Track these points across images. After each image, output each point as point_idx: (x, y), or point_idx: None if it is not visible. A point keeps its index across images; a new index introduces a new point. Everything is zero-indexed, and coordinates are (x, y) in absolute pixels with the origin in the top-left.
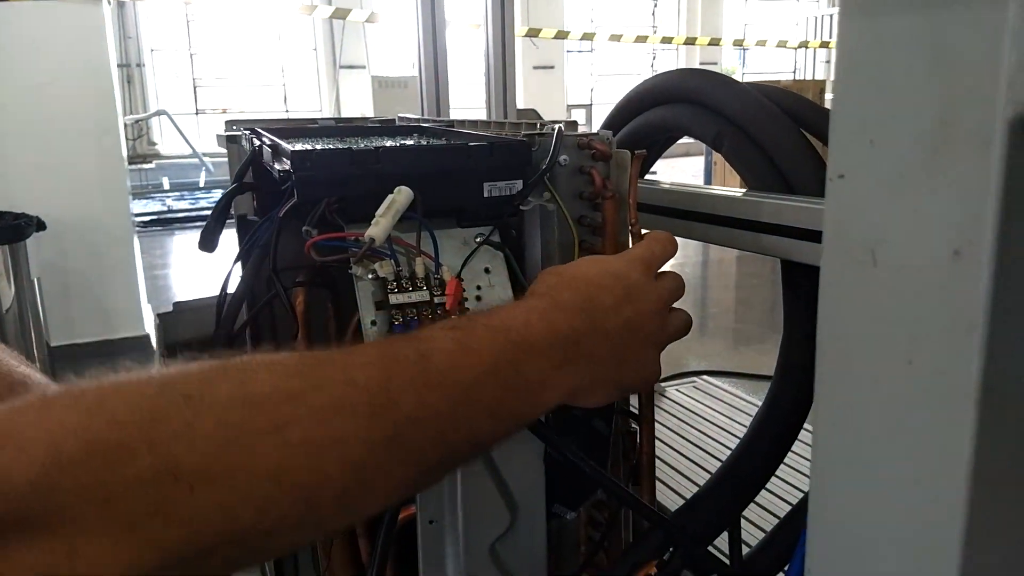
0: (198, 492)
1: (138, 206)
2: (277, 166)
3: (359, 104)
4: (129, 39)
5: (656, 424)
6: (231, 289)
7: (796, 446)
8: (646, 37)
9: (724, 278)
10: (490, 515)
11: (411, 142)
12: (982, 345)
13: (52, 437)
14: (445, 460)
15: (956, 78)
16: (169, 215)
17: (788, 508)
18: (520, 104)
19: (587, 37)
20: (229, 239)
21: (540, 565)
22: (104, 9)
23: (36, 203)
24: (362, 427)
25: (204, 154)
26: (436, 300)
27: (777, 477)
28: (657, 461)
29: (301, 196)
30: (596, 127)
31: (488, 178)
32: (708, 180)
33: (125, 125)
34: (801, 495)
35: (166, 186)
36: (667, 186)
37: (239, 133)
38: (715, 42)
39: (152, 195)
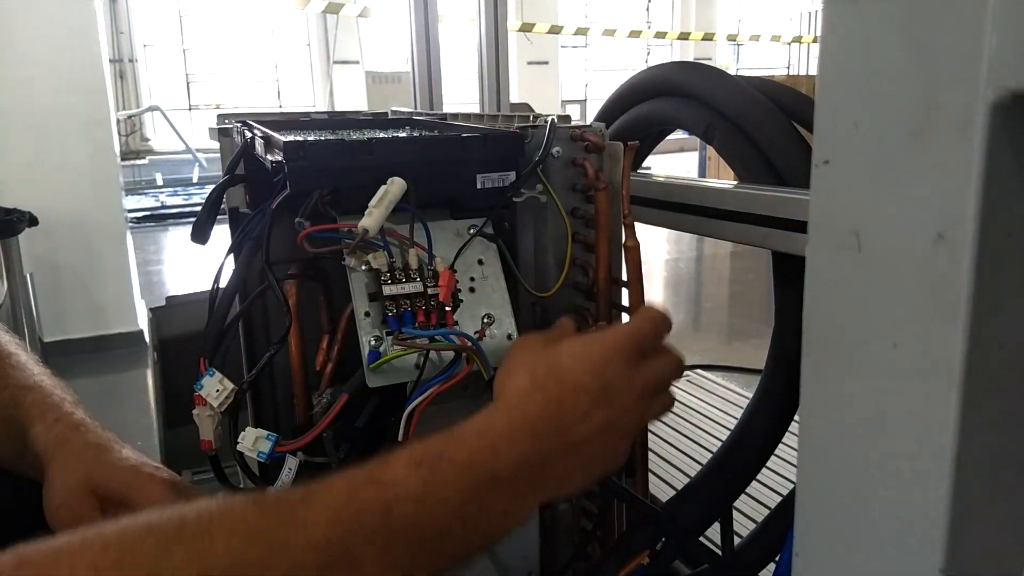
0: None
1: (131, 202)
2: (270, 157)
3: (353, 99)
4: (121, 34)
5: None
6: (223, 282)
7: (787, 438)
8: (640, 32)
9: (718, 273)
10: None
11: (404, 134)
12: (966, 327)
13: None
14: None
15: (938, 62)
16: (162, 211)
17: (779, 499)
18: (514, 100)
19: (581, 32)
20: (222, 233)
21: (533, 555)
22: (96, 4)
23: (28, 198)
24: None
25: (197, 150)
26: (430, 291)
27: (768, 468)
28: (650, 454)
29: (294, 187)
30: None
31: (481, 170)
32: (702, 175)
33: (118, 121)
34: (792, 487)
35: (159, 182)
36: (660, 178)
37: (231, 126)
38: (709, 37)
39: (145, 191)
